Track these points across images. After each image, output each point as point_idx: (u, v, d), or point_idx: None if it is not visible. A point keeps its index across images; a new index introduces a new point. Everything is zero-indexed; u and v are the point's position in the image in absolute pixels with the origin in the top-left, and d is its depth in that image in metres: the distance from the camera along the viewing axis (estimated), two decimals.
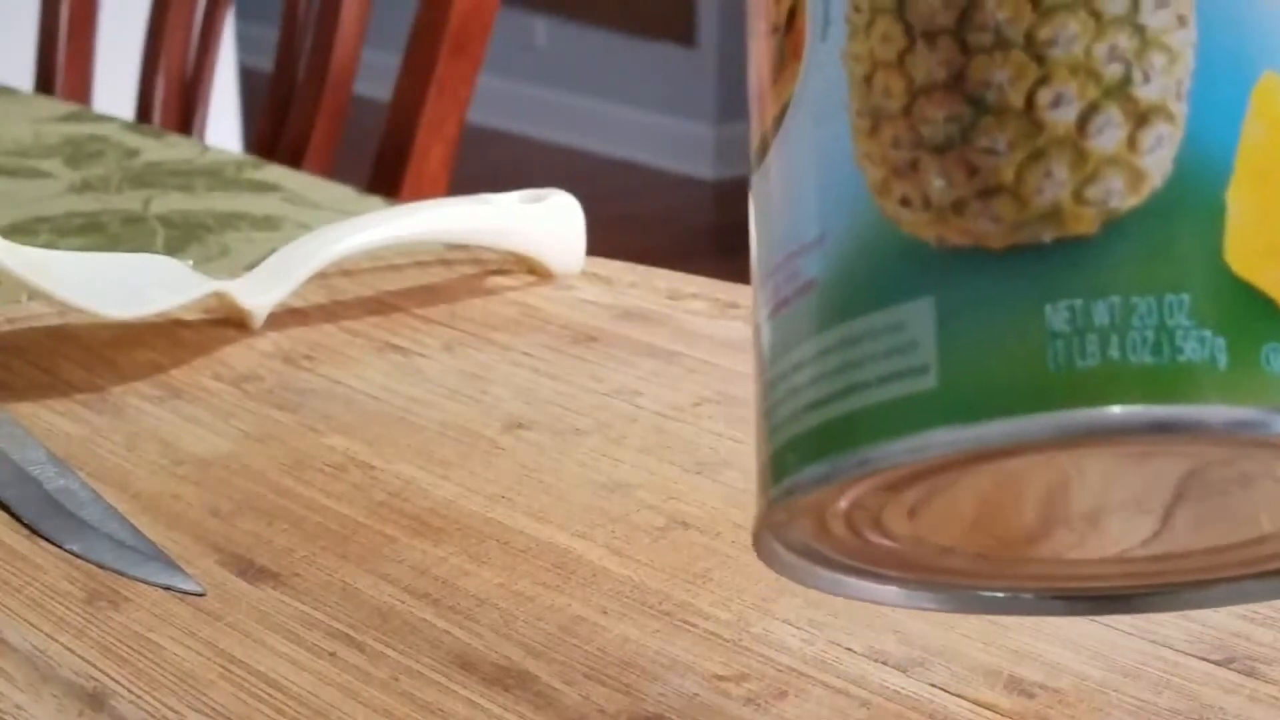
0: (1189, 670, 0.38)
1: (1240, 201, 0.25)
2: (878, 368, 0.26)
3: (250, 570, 0.42)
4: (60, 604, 0.41)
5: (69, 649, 0.39)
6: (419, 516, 0.45)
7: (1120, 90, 0.25)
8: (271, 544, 0.44)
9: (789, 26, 0.29)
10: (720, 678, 0.37)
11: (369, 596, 0.41)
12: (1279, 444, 0.25)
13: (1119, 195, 0.25)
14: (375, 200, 0.79)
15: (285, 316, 0.59)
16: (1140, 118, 0.25)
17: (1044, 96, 0.26)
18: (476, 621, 0.40)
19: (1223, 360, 0.24)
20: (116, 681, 0.37)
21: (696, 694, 0.37)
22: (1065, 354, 0.25)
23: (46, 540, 0.44)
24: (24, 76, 1.39)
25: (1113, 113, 0.25)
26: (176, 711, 0.36)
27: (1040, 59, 0.26)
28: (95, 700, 0.37)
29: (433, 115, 1.09)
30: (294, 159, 1.14)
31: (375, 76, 1.71)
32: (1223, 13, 0.25)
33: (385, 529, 0.44)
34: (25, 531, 0.44)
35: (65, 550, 0.43)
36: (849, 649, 0.38)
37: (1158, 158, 0.25)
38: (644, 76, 3.57)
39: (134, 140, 0.89)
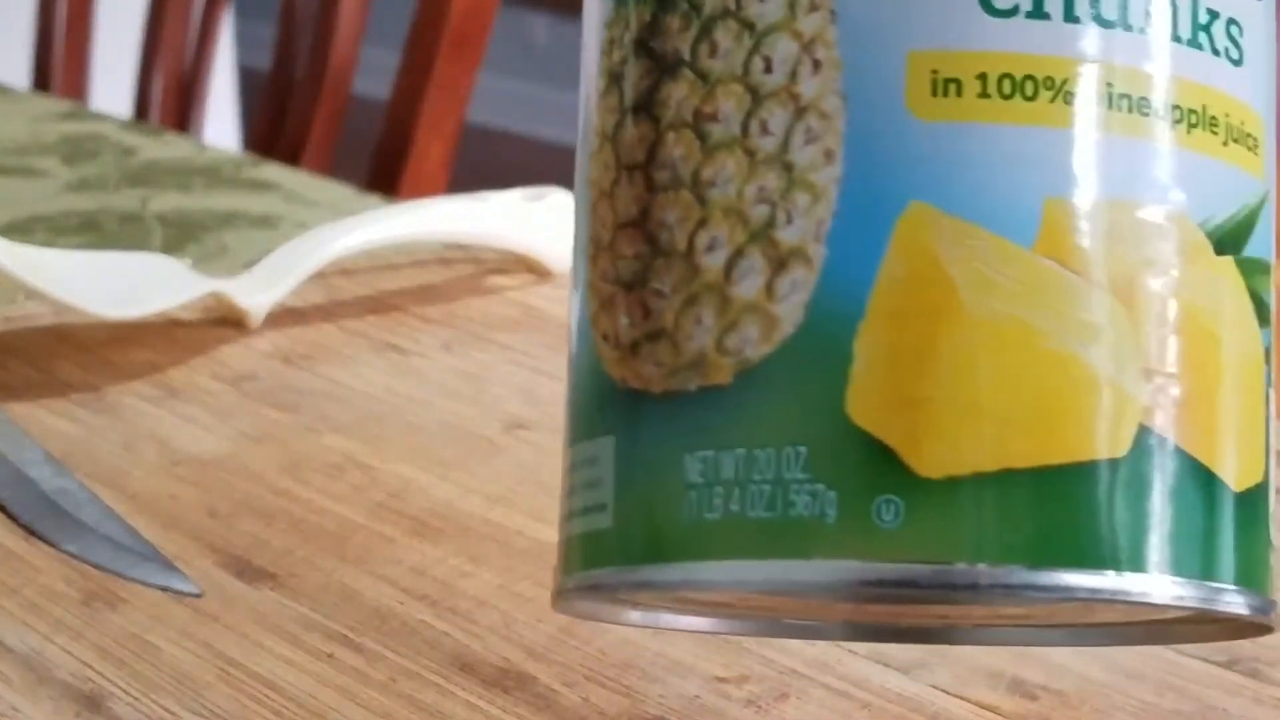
0: (1192, 672, 0.38)
1: (868, 347, 0.24)
2: (584, 497, 0.27)
3: (248, 571, 0.42)
4: (57, 605, 0.40)
5: (66, 650, 0.38)
6: (418, 517, 0.45)
7: (763, 234, 0.25)
8: (269, 545, 0.43)
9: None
10: (721, 679, 0.37)
11: (367, 598, 0.41)
12: (891, 596, 0.25)
13: (752, 344, 0.25)
14: (374, 199, 0.79)
15: (283, 316, 0.59)
16: (779, 262, 0.25)
17: (701, 239, 0.25)
18: (476, 623, 0.40)
19: (832, 514, 0.24)
20: (113, 683, 0.37)
21: (697, 696, 0.37)
22: (696, 506, 0.25)
23: (43, 541, 0.43)
24: (20, 74, 1.39)
25: (755, 258, 0.25)
26: (173, 713, 0.36)
27: (702, 200, 0.25)
28: (92, 702, 0.36)
29: (432, 114, 1.09)
30: (292, 157, 1.14)
31: (374, 74, 1.71)
32: (870, 143, 0.25)
33: (384, 530, 0.44)
34: (22, 532, 0.44)
35: (62, 551, 0.43)
36: (850, 650, 0.38)
37: (791, 304, 0.25)
38: None
39: (131, 139, 0.89)
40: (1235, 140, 0.27)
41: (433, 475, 0.47)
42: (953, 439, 0.24)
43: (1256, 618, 0.26)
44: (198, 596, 0.41)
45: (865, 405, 0.24)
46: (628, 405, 0.26)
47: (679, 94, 0.26)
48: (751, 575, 0.24)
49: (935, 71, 0.24)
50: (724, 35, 0.25)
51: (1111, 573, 0.24)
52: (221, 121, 2.12)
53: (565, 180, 0.70)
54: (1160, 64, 0.26)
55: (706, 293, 0.25)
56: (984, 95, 0.24)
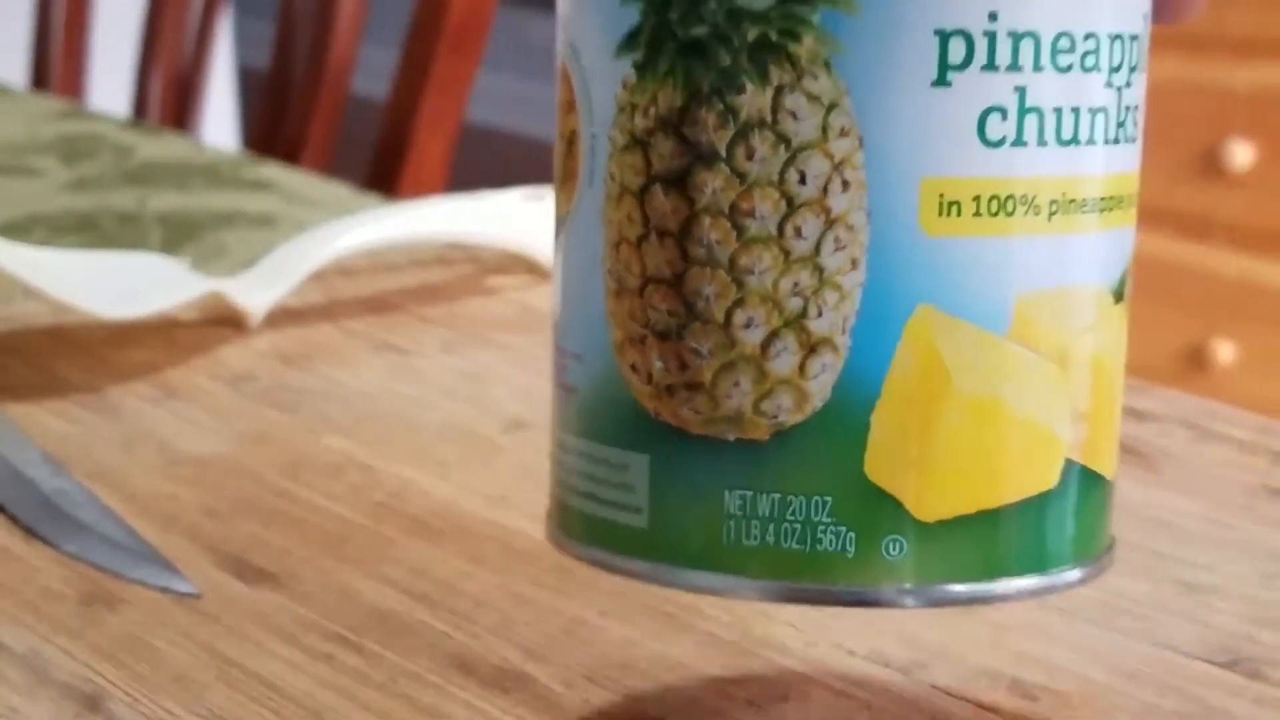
0: (1193, 672, 0.38)
1: (883, 421, 0.30)
2: (612, 492, 0.32)
3: (247, 572, 0.42)
4: (56, 606, 0.40)
5: (65, 651, 0.38)
6: (418, 517, 0.45)
7: (797, 321, 0.30)
8: (269, 545, 0.43)
9: (569, 146, 0.32)
10: (721, 680, 0.37)
11: (367, 598, 0.41)
12: (891, 609, 0.31)
13: (787, 412, 0.30)
14: (373, 199, 0.79)
15: (282, 316, 0.59)
16: (811, 347, 0.30)
17: (739, 317, 0.30)
18: (475, 623, 0.40)
19: (851, 550, 0.30)
20: (113, 684, 0.37)
21: (698, 697, 0.37)
22: (736, 532, 0.30)
23: (43, 541, 0.43)
24: (18, 73, 1.39)
25: (789, 341, 0.30)
26: (173, 714, 0.36)
27: (739, 283, 0.30)
28: (91, 702, 0.36)
29: (431, 113, 1.09)
30: (291, 157, 1.14)
31: (373, 74, 1.71)
32: (888, 257, 0.29)
33: (384, 530, 0.44)
34: (21, 533, 0.44)
35: (61, 551, 0.43)
36: (851, 651, 0.38)
37: (820, 383, 0.30)
38: None
39: (129, 138, 0.89)
40: (1132, 205, 0.32)
41: (433, 475, 0.47)
42: (944, 492, 0.30)
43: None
44: (197, 597, 0.41)
45: (879, 466, 0.30)
46: (664, 437, 0.31)
47: (715, 184, 0.30)
48: (783, 593, 0.31)
49: (942, 195, 0.29)
50: (761, 143, 0.29)
51: (1053, 573, 0.32)
52: (220, 121, 2.12)
53: None
54: (1100, 166, 0.31)
55: (744, 363, 0.30)
56: (977, 214, 0.30)
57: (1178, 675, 0.38)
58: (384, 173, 1.10)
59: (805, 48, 0.29)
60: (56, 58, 1.32)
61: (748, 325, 0.30)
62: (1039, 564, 0.32)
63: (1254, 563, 0.43)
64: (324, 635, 0.39)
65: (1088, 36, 0.30)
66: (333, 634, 0.39)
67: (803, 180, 0.29)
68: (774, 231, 0.29)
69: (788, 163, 0.29)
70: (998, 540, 0.31)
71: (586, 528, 0.33)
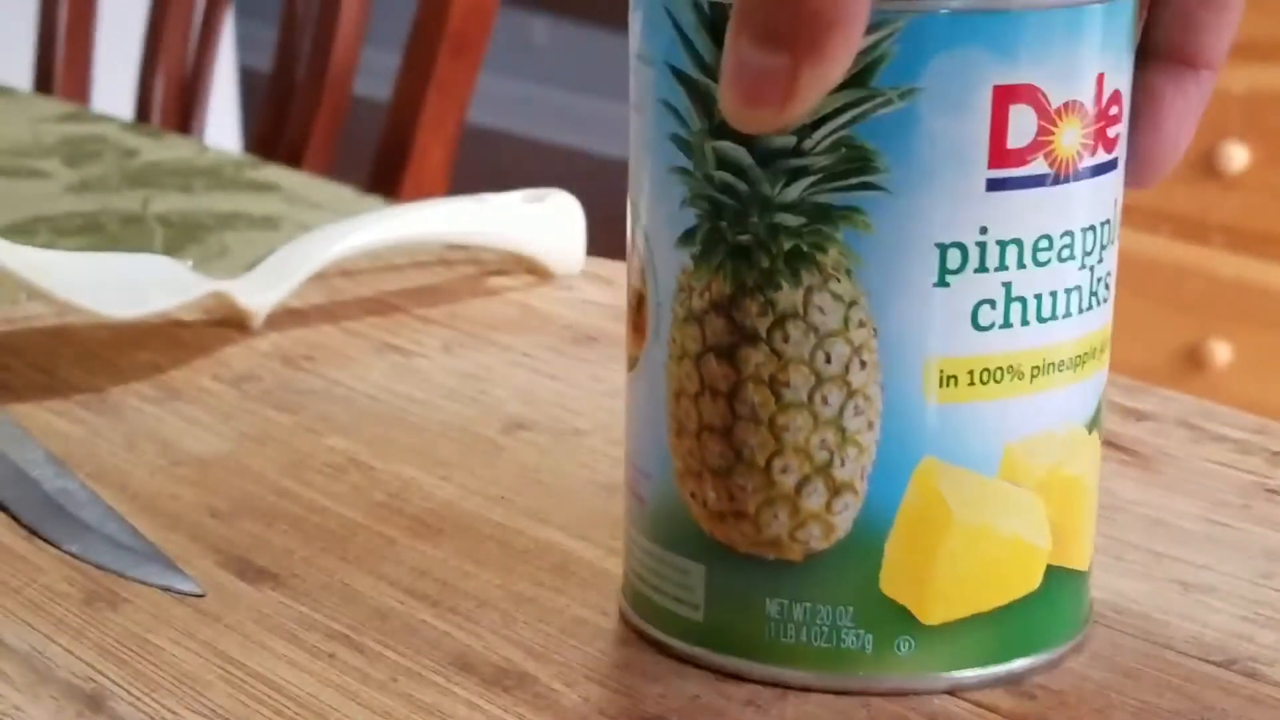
0: (1190, 671, 0.38)
1: (895, 547, 0.36)
2: (674, 588, 0.38)
3: (249, 571, 0.42)
4: (59, 605, 0.40)
5: (68, 650, 0.39)
6: (419, 517, 0.45)
7: (825, 469, 0.36)
8: (271, 545, 0.43)
9: (639, 304, 0.38)
10: (721, 680, 0.37)
11: (368, 597, 0.41)
12: (902, 696, 0.37)
13: (817, 539, 0.36)
14: (375, 200, 0.79)
15: (284, 317, 0.59)
16: (836, 490, 0.36)
17: (777, 464, 0.36)
18: (476, 622, 0.40)
19: (869, 648, 0.37)
20: (115, 683, 0.37)
21: (697, 695, 0.37)
22: (775, 631, 0.37)
23: (45, 541, 0.43)
24: (23, 76, 1.39)
25: (818, 484, 0.36)
26: (175, 713, 0.36)
27: (777, 438, 0.36)
28: (94, 701, 0.37)
29: (433, 115, 1.09)
30: (293, 159, 1.14)
31: (375, 76, 1.71)
32: (899, 420, 0.36)
33: (385, 530, 0.44)
34: (24, 532, 0.44)
35: (64, 551, 0.43)
36: None
37: (844, 518, 0.36)
38: None
39: (133, 140, 0.89)
40: (1105, 350, 0.38)
41: (433, 476, 0.47)
42: (945, 601, 0.36)
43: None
44: (199, 596, 0.41)
45: (892, 582, 0.36)
46: (717, 552, 0.37)
47: (757, 359, 0.36)
48: (813, 682, 0.37)
49: (942, 371, 0.35)
50: (794, 330, 0.35)
51: (1037, 655, 0.38)
52: (223, 123, 2.12)
53: (565, 182, 0.70)
54: (1074, 332, 0.36)
55: (782, 500, 0.36)
56: (971, 384, 0.36)
57: (1175, 674, 0.38)
58: (386, 174, 1.10)
59: (830, 258, 0.35)
60: (60, 60, 1.32)
61: (784, 471, 0.36)
62: (1025, 650, 0.37)
63: (1251, 562, 0.43)
64: (326, 634, 0.39)
65: (1064, 234, 0.36)
66: (334, 633, 0.39)
67: (829, 360, 0.35)
68: (805, 399, 0.36)
69: (816, 347, 0.35)
70: (990, 636, 0.37)
71: (653, 612, 0.39)
